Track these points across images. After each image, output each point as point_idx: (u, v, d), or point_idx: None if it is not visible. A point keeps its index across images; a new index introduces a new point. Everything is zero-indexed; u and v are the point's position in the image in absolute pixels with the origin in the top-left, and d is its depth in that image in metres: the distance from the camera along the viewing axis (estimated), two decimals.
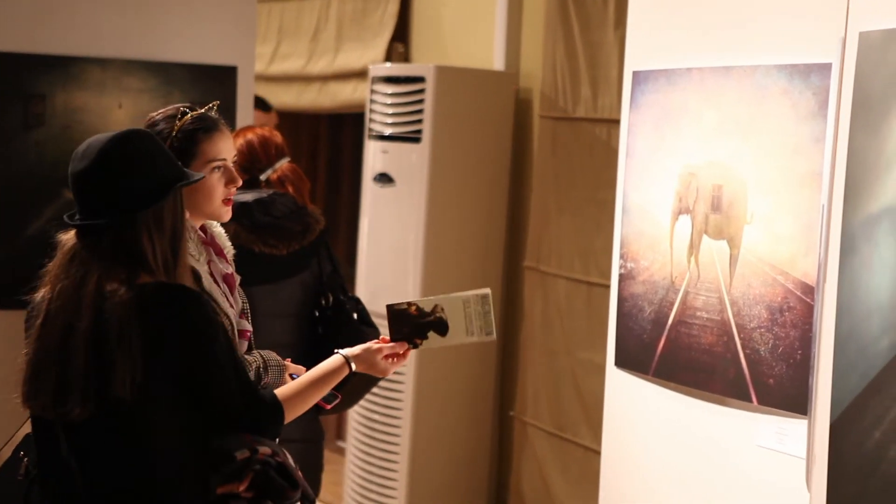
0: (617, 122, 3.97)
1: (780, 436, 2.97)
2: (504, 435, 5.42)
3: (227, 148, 2.79)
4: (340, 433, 6.52)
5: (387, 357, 2.82)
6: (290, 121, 6.79)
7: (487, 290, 2.82)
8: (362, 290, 5.34)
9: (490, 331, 2.83)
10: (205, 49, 4.72)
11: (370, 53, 6.11)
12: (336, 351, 2.78)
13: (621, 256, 3.43)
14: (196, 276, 2.68)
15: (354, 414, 5.44)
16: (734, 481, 3.11)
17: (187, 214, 2.61)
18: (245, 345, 2.85)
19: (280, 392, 2.61)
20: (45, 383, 2.41)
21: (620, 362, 3.46)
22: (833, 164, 2.69)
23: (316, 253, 4.13)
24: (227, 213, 2.81)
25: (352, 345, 2.82)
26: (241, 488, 2.46)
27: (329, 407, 2.93)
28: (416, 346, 2.86)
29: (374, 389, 5.04)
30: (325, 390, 2.74)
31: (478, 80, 5.30)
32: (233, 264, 2.90)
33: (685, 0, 3.30)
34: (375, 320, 4.19)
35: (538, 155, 5.16)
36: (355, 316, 4.11)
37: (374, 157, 5.36)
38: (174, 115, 2.77)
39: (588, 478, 4.65)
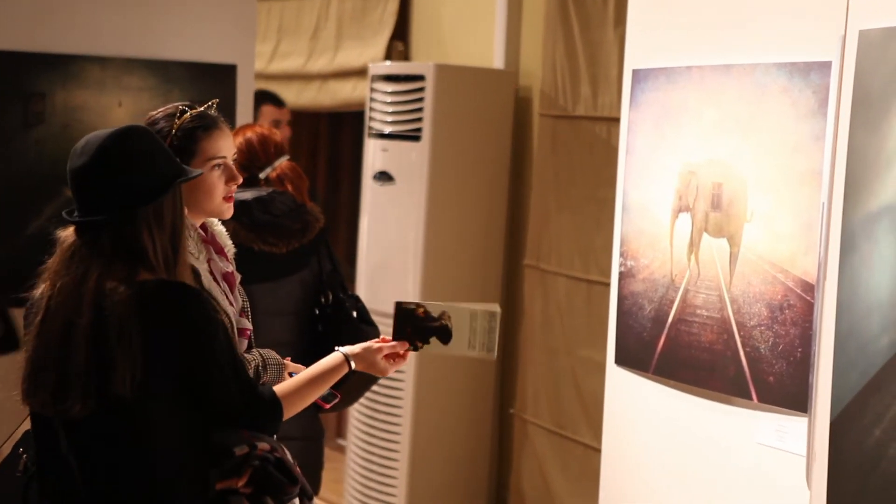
0: (617, 120, 3.97)
1: (781, 433, 2.97)
2: (504, 433, 5.42)
3: (226, 146, 2.79)
4: (341, 431, 6.53)
5: (387, 357, 2.82)
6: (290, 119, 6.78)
7: (497, 309, 2.81)
8: (362, 289, 5.34)
9: (492, 348, 2.81)
10: (205, 47, 4.72)
11: (370, 52, 6.11)
12: (336, 349, 2.78)
13: (621, 254, 3.43)
14: (195, 274, 2.68)
15: (355, 412, 5.44)
16: (734, 479, 3.11)
17: (187, 212, 2.61)
18: (245, 343, 2.85)
19: (279, 389, 2.62)
20: (44, 380, 2.41)
21: (620, 360, 3.46)
22: (833, 162, 2.69)
23: (315, 251, 4.13)
24: (228, 211, 2.81)
25: (351, 343, 2.82)
26: (240, 484, 2.47)
27: (328, 406, 2.93)
28: (416, 349, 2.85)
29: (375, 387, 5.04)
30: (325, 388, 2.74)
31: (478, 78, 5.30)
32: (233, 263, 2.90)
33: None
34: (375, 318, 4.19)
35: (538, 153, 5.16)
36: (355, 314, 4.11)
37: (374, 155, 5.35)
38: (174, 113, 2.77)
39: (588, 476, 4.65)
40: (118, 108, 4.54)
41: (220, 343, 2.46)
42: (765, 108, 2.99)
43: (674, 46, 3.28)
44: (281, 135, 5.25)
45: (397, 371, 5.05)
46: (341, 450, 6.10)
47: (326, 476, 4.53)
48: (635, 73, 3.39)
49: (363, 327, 4.03)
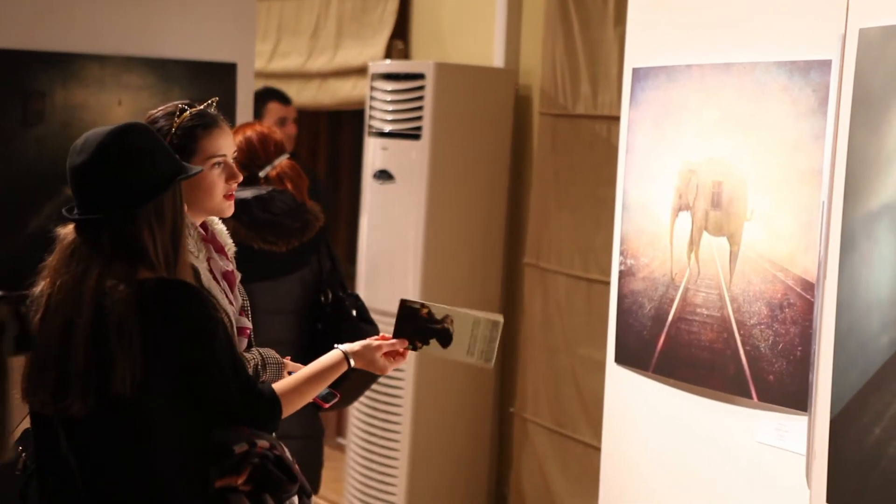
0: (617, 118, 3.97)
1: (780, 432, 2.97)
2: (504, 431, 5.42)
3: (226, 144, 2.78)
4: (341, 430, 6.52)
5: (386, 355, 2.82)
6: None
7: (500, 319, 2.82)
8: (362, 287, 5.34)
9: (490, 358, 2.81)
10: (204, 46, 4.72)
11: (370, 50, 6.11)
12: (335, 346, 2.78)
13: (621, 253, 3.43)
14: (195, 272, 2.68)
15: (355, 411, 5.44)
16: (734, 478, 3.11)
17: (187, 211, 2.61)
18: (245, 342, 2.85)
19: (278, 386, 2.62)
20: (44, 379, 2.41)
21: (620, 359, 3.46)
22: (833, 160, 2.69)
23: (315, 250, 4.13)
24: (228, 209, 2.81)
25: (351, 342, 2.82)
26: (240, 481, 2.47)
27: (327, 406, 2.93)
28: (415, 349, 2.85)
29: (374, 386, 5.04)
30: (324, 385, 2.74)
31: (477, 76, 5.30)
32: (234, 261, 2.90)
33: None
34: (374, 317, 4.19)
35: (538, 152, 5.16)
36: (354, 313, 4.11)
37: (374, 153, 5.35)
38: (173, 112, 2.77)
39: (588, 474, 4.65)
40: (118, 107, 4.54)
41: (220, 341, 2.46)
42: (765, 106, 2.99)
43: (674, 45, 3.28)
44: (287, 132, 5.26)
45: (397, 370, 5.10)
46: (341, 448, 6.10)
47: (326, 475, 4.53)
48: (635, 71, 3.39)
49: (363, 326, 4.03)
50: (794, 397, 2.90)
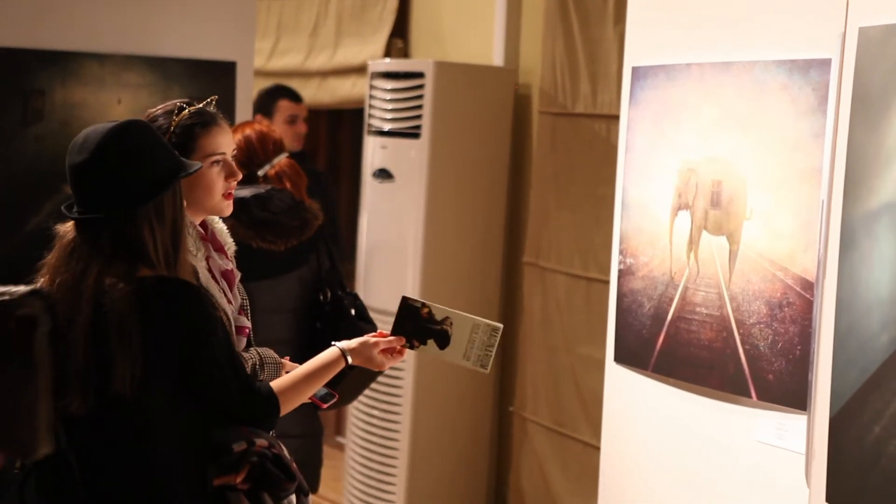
0: (616, 117, 3.97)
1: (780, 431, 2.97)
2: (503, 431, 5.42)
3: (225, 142, 2.78)
4: (340, 429, 6.53)
5: (383, 351, 2.82)
6: None
7: (500, 326, 2.82)
8: (361, 286, 5.33)
9: (486, 364, 2.82)
10: (204, 44, 4.71)
11: (369, 49, 6.10)
12: (332, 343, 2.78)
13: (621, 252, 3.43)
14: (193, 272, 2.67)
15: (354, 410, 5.44)
16: (734, 477, 3.11)
17: (186, 209, 2.60)
18: (244, 341, 2.85)
19: (276, 384, 2.62)
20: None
21: (620, 358, 3.46)
22: (833, 159, 2.69)
23: (314, 249, 4.13)
24: (228, 208, 2.80)
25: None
26: (238, 480, 2.47)
27: (325, 406, 2.93)
28: (412, 347, 2.85)
29: (374, 385, 5.04)
30: (321, 382, 2.74)
31: (477, 75, 5.30)
32: (233, 261, 2.90)
33: None
34: (374, 316, 4.19)
35: (537, 151, 5.16)
36: (353, 312, 4.11)
37: (374, 152, 5.35)
38: (172, 110, 2.76)
39: (587, 473, 4.65)
40: (117, 105, 4.53)
41: (220, 340, 2.46)
42: (764, 105, 2.98)
43: (673, 44, 3.28)
44: (297, 130, 5.25)
45: (397, 369, 5.10)
46: (341, 447, 6.10)
47: (326, 474, 4.52)
48: (635, 70, 3.39)
49: (361, 325, 4.03)
50: (794, 396, 2.90)
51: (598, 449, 3.67)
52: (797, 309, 2.89)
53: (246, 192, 3.88)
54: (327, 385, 2.88)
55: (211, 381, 2.46)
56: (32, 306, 1.94)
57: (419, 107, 5.15)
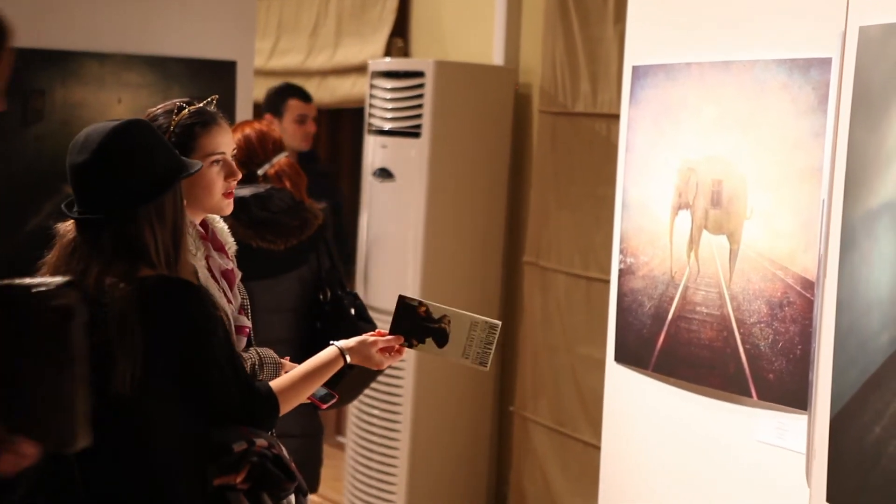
0: (616, 117, 3.96)
1: (780, 431, 2.97)
2: (504, 430, 5.42)
3: (225, 142, 2.78)
4: (340, 428, 6.52)
5: (382, 350, 2.82)
6: None
7: (498, 323, 2.82)
8: (361, 286, 5.33)
9: (485, 361, 2.81)
10: (204, 44, 4.71)
11: (369, 48, 6.10)
12: (331, 343, 2.78)
13: (621, 252, 3.43)
14: (193, 271, 2.67)
15: (354, 409, 5.43)
16: (734, 476, 3.11)
17: (186, 208, 2.60)
18: (244, 341, 2.85)
19: (275, 384, 2.62)
20: None
21: (620, 357, 3.45)
22: (833, 159, 2.69)
23: (314, 248, 4.13)
24: (228, 207, 2.80)
25: None
26: (238, 480, 2.47)
27: (325, 407, 2.93)
28: (410, 346, 2.85)
29: (374, 384, 5.04)
30: (320, 382, 2.74)
31: (477, 75, 5.30)
32: (234, 260, 2.90)
33: None
34: (373, 316, 4.19)
35: (537, 150, 5.15)
36: (353, 311, 4.11)
37: (374, 152, 5.35)
38: (172, 110, 2.76)
39: (588, 473, 4.65)
40: (117, 105, 4.53)
41: (220, 340, 2.46)
42: (764, 104, 2.98)
43: (673, 43, 3.28)
44: (306, 130, 5.22)
45: (397, 368, 5.10)
46: (341, 447, 6.10)
47: (326, 473, 4.52)
48: (635, 69, 3.38)
49: (361, 325, 4.02)
50: (794, 396, 2.89)
51: (598, 448, 3.67)
52: (797, 308, 2.88)
53: (246, 192, 3.88)
54: (327, 385, 2.88)
55: (211, 381, 2.46)
56: (68, 297, 1.94)
57: (419, 106, 5.15)
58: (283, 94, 5.36)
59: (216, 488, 2.47)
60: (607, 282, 3.63)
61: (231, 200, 2.81)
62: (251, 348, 2.87)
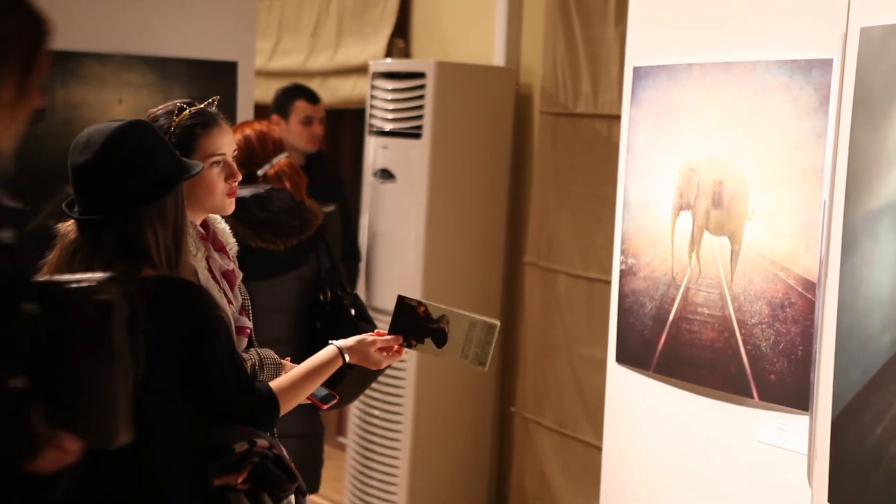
0: (617, 117, 3.96)
1: (782, 432, 2.96)
2: (505, 431, 5.42)
3: (226, 143, 2.78)
4: (341, 429, 6.53)
5: (380, 350, 2.83)
6: None
7: (497, 323, 2.82)
8: (362, 286, 5.33)
9: (484, 361, 2.81)
10: (205, 44, 4.71)
11: (370, 49, 6.10)
12: (330, 342, 2.79)
13: (622, 252, 3.43)
14: (194, 272, 2.67)
15: (355, 410, 5.43)
16: (735, 477, 3.11)
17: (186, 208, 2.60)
18: (244, 342, 2.85)
19: (275, 384, 2.62)
20: None
21: (621, 358, 3.45)
22: (834, 159, 2.69)
23: (314, 248, 4.12)
24: (230, 206, 2.80)
25: None
26: (239, 480, 2.47)
27: (325, 407, 2.93)
28: (409, 346, 2.85)
29: (375, 385, 5.04)
30: (319, 381, 2.74)
31: (478, 75, 5.30)
32: (235, 261, 2.90)
33: None
34: (374, 316, 4.19)
35: (538, 151, 5.15)
36: (353, 312, 4.11)
37: (375, 152, 5.35)
38: (173, 110, 2.76)
39: (589, 474, 4.65)
40: (118, 105, 4.53)
41: (222, 340, 2.46)
42: (766, 105, 2.98)
43: (675, 43, 3.28)
44: (313, 131, 5.19)
45: (398, 369, 5.10)
46: (342, 447, 6.10)
47: (327, 474, 4.52)
48: (636, 70, 3.38)
49: (361, 325, 4.02)
50: (796, 397, 2.89)
51: (599, 449, 3.67)
52: (799, 309, 2.88)
53: (245, 192, 3.88)
54: (328, 386, 2.88)
55: (212, 382, 2.45)
56: (110, 292, 1.94)
57: (420, 107, 5.15)
58: (290, 95, 5.33)
59: (217, 488, 2.47)
60: (608, 282, 3.63)
61: (233, 200, 2.81)
62: (252, 349, 2.87)
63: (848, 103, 2.64)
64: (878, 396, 2.52)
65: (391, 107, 5.26)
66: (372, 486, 5.34)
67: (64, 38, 4.46)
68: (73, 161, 2.44)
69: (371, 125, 5.37)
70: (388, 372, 4.91)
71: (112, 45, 4.54)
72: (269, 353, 2.88)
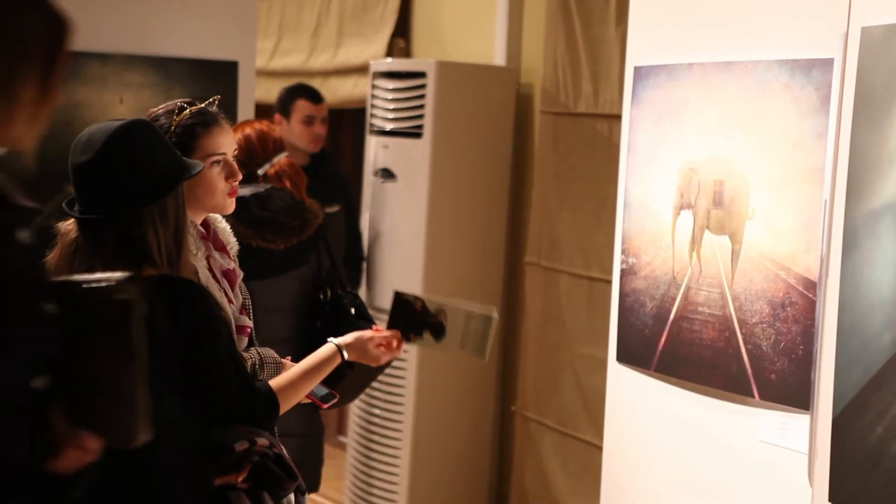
0: (618, 117, 3.96)
1: (782, 431, 2.96)
2: (505, 430, 5.42)
3: (226, 142, 2.78)
4: (342, 428, 6.52)
5: (379, 345, 2.83)
6: None
7: (494, 314, 2.83)
8: (363, 285, 5.33)
9: (483, 351, 2.82)
10: (206, 44, 4.71)
11: (371, 49, 6.10)
12: (328, 340, 2.79)
13: (623, 252, 3.43)
14: (194, 271, 2.67)
15: (355, 409, 5.44)
16: (736, 476, 3.11)
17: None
18: (245, 341, 2.85)
19: (274, 383, 2.63)
20: None
21: (622, 357, 3.45)
22: (835, 159, 2.69)
23: (314, 247, 4.13)
24: (230, 206, 2.80)
25: None
26: (240, 479, 2.47)
27: (326, 406, 2.93)
28: (408, 341, 2.86)
29: (375, 384, 5.04)
30: (318, 379, 2.75)
31: (479, 75, 5.30)
32: (236, 260, 2.90)
33: None
34: (375, 315, 4.19)
35: (539, 150, 5.15)
36: (353, 311, 4.11)
37: (376, 152, 5.35)
38: (173, 110, 2.76)
39: (590, 473, 4.65)
40: (119, 105, 4.53)
41: (222, 339, 2.46)
42: (766, 105, 2.98)
43: (675, 43, 3.28)
44: (313, 131, 5.16)
45: (398, 368, 5.10)
46: (342, 446, 6.10)
47: (327, 473, 4.52)
48: (637, 70, 3.38)
49: (361, 324, 4.01)
50: (796, 396, 2.89)
51: (600, 448, 3.67)
52: (799, 308, 2.88)
53: (245, 192, 3.87)
54: (328, 385, 2.88)
55: (213, 381, 2.45)
56: (129, 292, 1.95)
57: (421, 106, 5.15)
58: (292, 95, 5.31)
59: (217, 488, 2.47)
60: (609, 282, 3.63)
61: (233, 200, 2.81)
62: (252, 348, 2.87)
63: (849, 103, 2.64)
64: (879, 396, 2.52)
65: (392, 106, 5.26)
66: (372, 485, 5.34)
67: None
68: (73, 160, 2.44)
69: (372, 125, 5.37)
70: (388, 371, 4.91)
71: (113, 44, 4.53)
72: (269, 353, 2.89)
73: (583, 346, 4.81)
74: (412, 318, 2.84)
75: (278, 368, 2.87)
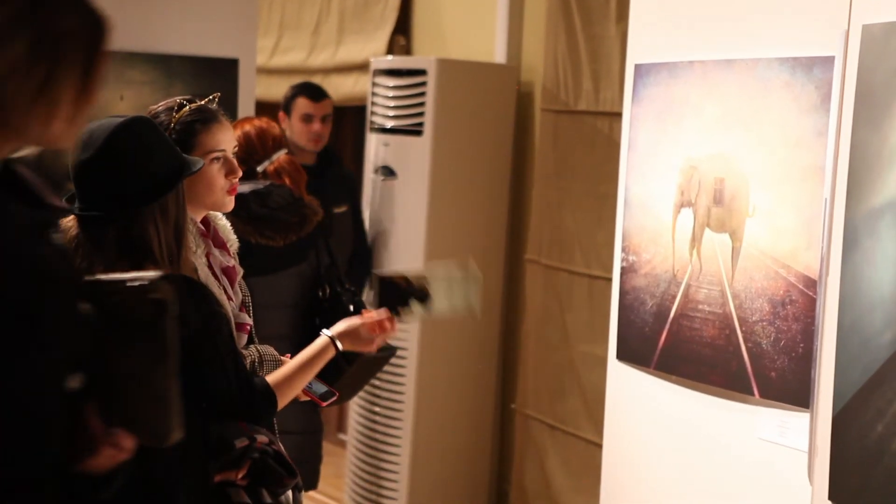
0: (619, 115, 3.96)
1: (782, 429, 2.96)
2: (505, 428, 5.42)
3: (226, 139, 2.78)
4: (341, 426, 6.52)
5: (372, 329, 2.84)
6: None
7: (475, 272, 2.88)
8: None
9: (471, 308, 2.89)
10: (206, 42, 4.71)
11: (372, 46, 6.10)
12: (322, 332, 2.79)
13: (623, 249, 3.43)
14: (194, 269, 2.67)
15: (355, 406, 5.44)
16: (736, 474, 3.11)
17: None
18: (244, 338, 2.85)
19: (271, 379, 2.64)
20: None
21: (622, 355, 3.45)
22: (835, 157, 2.69)
23: (313, 245, 4.13)
24: (230, 203, 2.80)
25: None
26: (239, 476, 2.47)
27: (325, 404, 2.94)
28: (398, 315, 2.89)
29: (375, 382, 5.04)
30: (313, 372, 2.75)
31: (479, 73, 5.30)
32: (236, 257, 2.90)
33: None
34: None
35: (540, 148, 5.15)
36: (352, 308, 4.11)
37: (376, 150, 5.35)
38: (173, 107, 2.76)
39: (589, 471, 4.65)
40: (120, 102, 4.53)
41: (222, 337, 2.47)
42: (767, 103, 2.98)
43: (676, 41, 3.27)
44: (312, 130, 5.12)
45: (398, 365, 5.10)
46: (342, 444, 6.10)
47: (327, 470, 4.52)
48: (637, 67, 3.38)
49: None
50: (796, 394, 2.89)
51: (600, 446, 3.67)
52: (800, 306, 2.88)
53: (245, 188, 3.88)
54: (327, 383, 2.88)
55: (213, 377, 2.46)
56: (163, 291, 1.95)
57: (421, 104, 5.15)
58: (294, 93, 5.30)
59: (217, 484, 2.47)
60: (609, 279, 3.63)
61: (233, 198, 2.81)
62: (251, 346, 2.87)
63: (849, 101, 2.64)
64: (879, 394, 2.52)
65: (392, 104, 5.26)
66: (372, 483, 5.34)
67: None
68: (74, 157, 2.44)
69: (372, 122, 5.37)
70: (388, 369, 4.91)
71: (113, 41, 4.53)
72: (268, 350, 2.89)
73: (583, 344, 4.81)
74: (398, 294, 2.89)
75: (277, 366, 2.87)
